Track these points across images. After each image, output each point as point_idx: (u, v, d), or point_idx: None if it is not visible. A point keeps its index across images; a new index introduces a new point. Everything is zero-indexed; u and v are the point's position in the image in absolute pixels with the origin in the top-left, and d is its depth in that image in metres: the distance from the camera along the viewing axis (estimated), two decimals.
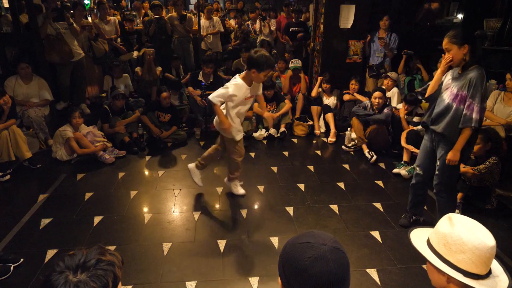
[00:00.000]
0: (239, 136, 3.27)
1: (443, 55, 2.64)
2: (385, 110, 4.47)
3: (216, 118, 3.20)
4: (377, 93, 4.51)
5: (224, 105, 3.10)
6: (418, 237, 1.29)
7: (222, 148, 3.46)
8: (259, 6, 8.52)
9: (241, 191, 3.64)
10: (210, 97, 2.98)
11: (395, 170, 4.14)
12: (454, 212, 2.88)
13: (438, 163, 2.76)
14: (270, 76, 6.11)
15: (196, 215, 3.31)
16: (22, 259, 2.66)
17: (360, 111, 4.61)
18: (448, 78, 2.68)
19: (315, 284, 0.90)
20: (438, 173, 2.78)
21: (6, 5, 5.89)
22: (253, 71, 2.90)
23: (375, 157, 4.40)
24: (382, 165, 4.37)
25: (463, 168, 3.36)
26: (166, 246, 2.87)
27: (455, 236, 1.12)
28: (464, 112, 2.52)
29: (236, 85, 2.98)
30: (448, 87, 2.65)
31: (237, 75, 3.07)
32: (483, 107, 2.51)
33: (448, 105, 2.61)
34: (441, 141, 2.72)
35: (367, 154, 4.47)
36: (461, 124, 2.54)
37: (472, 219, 1.17)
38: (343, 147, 4.83)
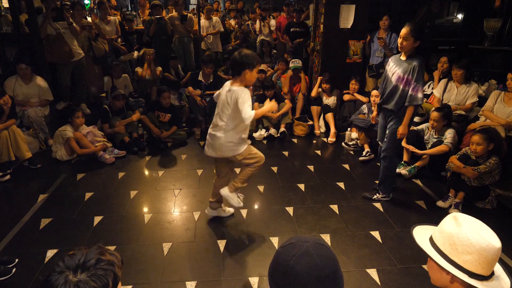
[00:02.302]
0: (246, 145, 2.87)
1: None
2: None
3: (229, 143, 2.80)
4: (374, 92, 4.52)
5: (234, 121, 2.75)
6: (420, 235, 1.27)
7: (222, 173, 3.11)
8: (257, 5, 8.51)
9: (240, 202, 3.06)
10: (248, 116, 2.58)
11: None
12: (393, 176, 3.52)
13: (387, 132, 3.31)
14: (270, 74, 6.12)
15: (196, 215, 3.31)
16: (17, 260, 2.66)
17: (358, 121, 4.61)
18: (392, 65, 3.21)
19: (305, 281, 0.88)
20: (386, 140, 3.33)
21: (6, 5, 5.89)
22: (246, 72, 2.65)
23: (368, 158, 4.43)
24: None
25: (463, 168, 3.37)
26: (166, 246, 2.87)
27: (463, 237, 1.11)
28: (410, 93, 3.05)
29: (246, 92, 2.67)
30: (394, 71, 3.17)
31: (235, 87, 2.70)
32: (423, 88, 3.21)
33: (396, 86, 3.14)
34: (391, 115, 3.28)
35: (364, 152, 4.49)
36: (407, 102, 3.08)
37: (477, 219, 1.16)
38: (343, 144, 4.84)
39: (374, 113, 3.67)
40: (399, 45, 3.09)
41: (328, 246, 0.96)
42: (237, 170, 3.11)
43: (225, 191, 2.99)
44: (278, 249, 0.98)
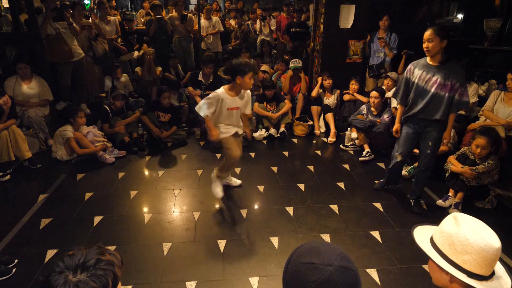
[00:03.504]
0: (223, 135, 3.24)
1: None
2: (385, 117, 4.47)
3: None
4: (373, 93, 4.52)
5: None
6: (421, 235, 1.27)
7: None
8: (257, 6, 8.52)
9: (219, 193, 3.43)
10: (201, 113, 3.11)
11: None
12: (426, 183, 3.44)
13: (430, 144, 3.12)
14: (271, 74, 6.13)
15: (196, 215, 3.31)
16: (16, 260, 2.66)
17: (356, 121, 4.61)
18: (419, 72, 2.99)
19: None
20: (430, 152, 3.16)
21: (6, 5, 5.89)
22: (238, 78, 3.00)
23: (368, 158, 4.43)
24: (382, 165, 4.36)
25: (461, 168, 3.36)
26: (166, 246, 2.87)
27: (461, 237, 1.11)
28: (457, 98, 2.92)
29: (215, 95, 3.09)
30: (427, 79, 2.96)
31: (222, 87, 3.17)
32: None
33: (435, 94, 2.94)
34: (432, 126, 3.08)
35: (364, 153, 4.48)
36: (454, 108, 2.96)
37: (477, 219, 1.15)
38: (341, 146, 4.85)
39: (397, 125, 3.35)
40: (424, 49, 2.89)
41: (353, 266, 0.87)
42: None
43: (212, 174, 3.51)
44: (297, 261, 0.89)
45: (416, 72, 3.02)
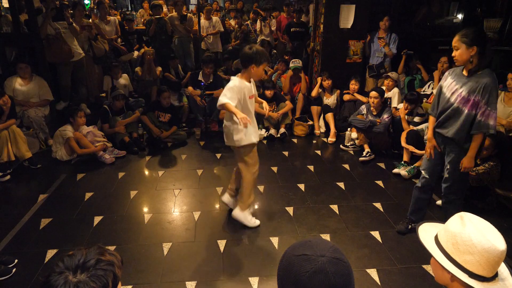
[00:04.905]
0: (248, 139, 2.89)
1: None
2: (385, 117, 4.46)
3: (227, 128, 2.92)
4: (372, 93, 4.51)
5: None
6: (426, 232, 1.26)
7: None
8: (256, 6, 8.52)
9: (256, 221, 3.17)
10: (220, 103, 2.69)
11: (395, 170, 4.14)
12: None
13: (448, 166, 2.69)
14: (271, 74, 6.13)
15: (196, 215, 3.31)
16: (16, 260, 2.66)
17: (356, 121, 4.60)
18: (450, 81, 2.61)
19: None
20: (448, 176, 2.71)
21: (6, 5, 5.89)
22: (252, 67, 2.78)
23: (368, 158, 4.43)
24: (382, 165, 4.36)
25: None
26: (166, 246, 2.87)
27: (465, 237, 1.10)
28: (478, 118, 2.46)
29: (238, 83, 2.79)
30: (453, 90, 2.57)
31: (233, 77, 2.88)
32: (496, 114, 2.49)
33: (457, 109, 2.54)
34: (449, 145, 2.67)
35: (364, 153, 4.48)
36: (474, 130, 2.49)
37: (484, 220, 1.14)
38: (341, 146, 4.85)
39: (431, 142, 2.81)
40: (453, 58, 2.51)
41: (345, 259, 0.91)
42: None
43: (237, 213, 3.12)
44: (290, 254, 0.93)
45: (448, 80, 2.63)
